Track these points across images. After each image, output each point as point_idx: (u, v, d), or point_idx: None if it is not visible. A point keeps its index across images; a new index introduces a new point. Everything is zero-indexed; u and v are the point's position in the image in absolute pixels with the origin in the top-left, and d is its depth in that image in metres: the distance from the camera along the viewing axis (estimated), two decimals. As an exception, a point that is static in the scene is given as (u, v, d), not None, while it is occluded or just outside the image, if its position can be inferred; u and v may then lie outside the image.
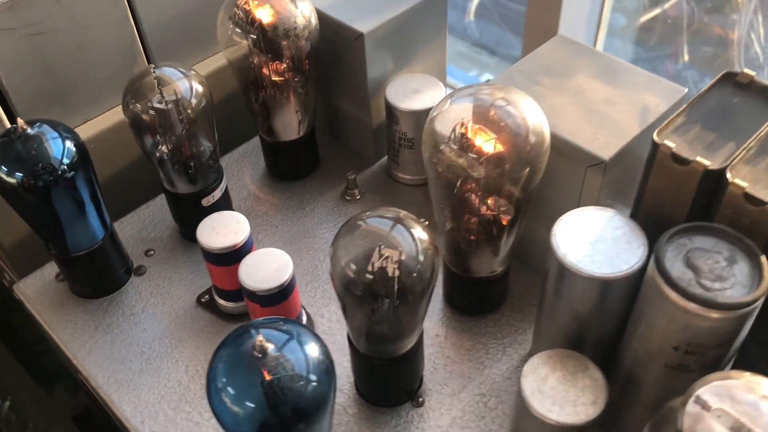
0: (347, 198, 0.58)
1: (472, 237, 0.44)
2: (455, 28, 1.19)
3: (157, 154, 0.50)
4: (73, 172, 0.46)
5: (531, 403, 0.38)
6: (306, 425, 0.33)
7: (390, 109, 0.55)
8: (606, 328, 0.40)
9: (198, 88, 0.49)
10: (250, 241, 0.47)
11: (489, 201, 0.43)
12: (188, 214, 0.53)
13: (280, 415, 0.32)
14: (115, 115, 0.57)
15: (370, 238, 0.38)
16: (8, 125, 0.51)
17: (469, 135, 0.41)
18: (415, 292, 0.38)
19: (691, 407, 0.27)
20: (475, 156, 0.40)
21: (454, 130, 0.41)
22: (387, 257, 0.37)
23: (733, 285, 0.33)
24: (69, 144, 0.46)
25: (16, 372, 0.80)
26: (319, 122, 0.62)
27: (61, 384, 0.78)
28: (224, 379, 0.32)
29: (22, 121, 0.44)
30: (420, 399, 0.46)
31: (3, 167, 0.44)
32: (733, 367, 0.38)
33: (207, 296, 0.52)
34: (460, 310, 0.50)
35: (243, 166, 0.62)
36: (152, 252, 0.55)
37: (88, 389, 0.50)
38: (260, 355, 0.32)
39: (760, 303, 0.33)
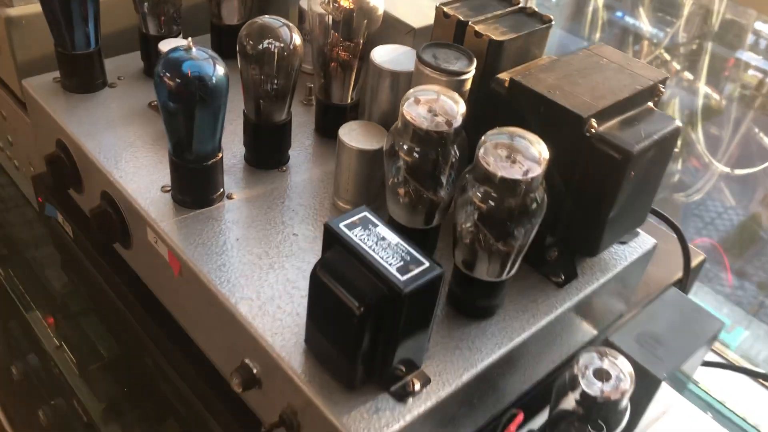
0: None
1: (333, 65, 0.71)
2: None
3: (146, 9, 0.77)
4: (85, -6, 0.72)
5: (344, 140, 0.63)
6: (210, 100, 0.58)
7: (301, 14, 0.83)
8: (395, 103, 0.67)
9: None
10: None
11: (345, 45, 0.70)
12: (152, 53, 0.79)
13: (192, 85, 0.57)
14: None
15: (265, 28, 0.64)
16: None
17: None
18: (287, 70, 0.64)
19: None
20: (338, 9, 0.68)
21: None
22: (271, 41, 0.64)
23: (456, 66, 0.61)
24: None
25: None
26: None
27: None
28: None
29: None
30: (285, 168, 0.71)
31: (44, -23, 0.70)
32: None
33: (155, 102, 0.77)
34: (324, 134, 0.76)
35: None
36: (122, 78, 0.80)
37: (65, 143, 0.73)
38: (186, 51, 0.57)
39: (469, 75, 0.60)
